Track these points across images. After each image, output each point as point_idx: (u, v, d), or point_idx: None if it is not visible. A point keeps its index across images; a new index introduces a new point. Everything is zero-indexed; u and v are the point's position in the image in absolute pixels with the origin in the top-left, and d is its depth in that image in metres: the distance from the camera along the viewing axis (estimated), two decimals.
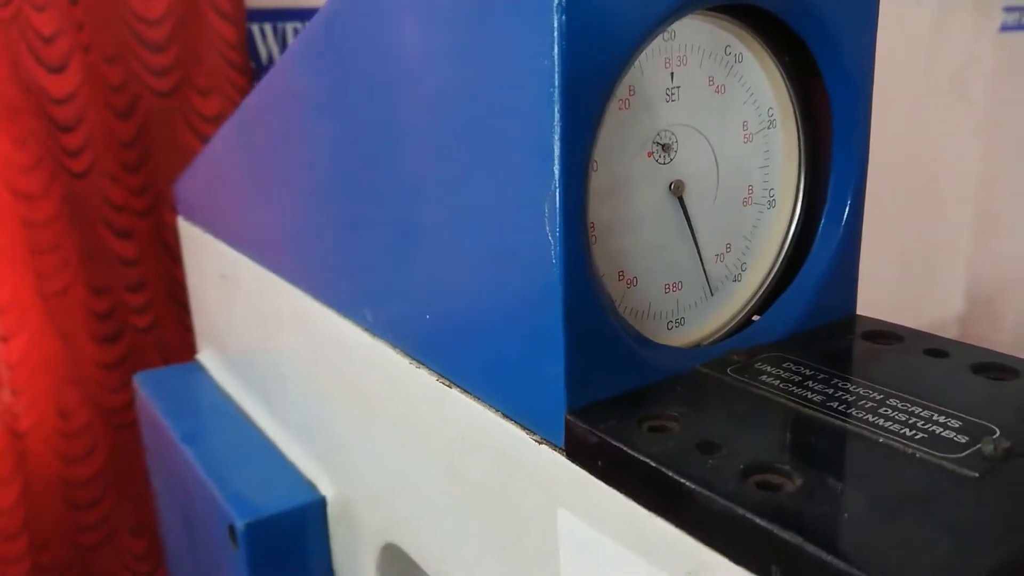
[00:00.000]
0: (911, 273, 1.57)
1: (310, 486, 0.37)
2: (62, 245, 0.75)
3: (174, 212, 0.78)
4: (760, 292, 0.26)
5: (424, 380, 0.27)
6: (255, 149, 0.37)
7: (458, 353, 0.25)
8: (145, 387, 0.49)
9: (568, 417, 0.21)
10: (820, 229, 0.26)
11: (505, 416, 0.24)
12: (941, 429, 0.20)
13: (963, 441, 0.19)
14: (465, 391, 0.25)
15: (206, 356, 0.52)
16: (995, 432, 0.19)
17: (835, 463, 0.19)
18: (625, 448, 0.19)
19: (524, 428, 0.23)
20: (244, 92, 0.80)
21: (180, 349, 0.81)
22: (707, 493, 0.18)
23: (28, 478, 0.76)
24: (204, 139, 0.80)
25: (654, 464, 0.19)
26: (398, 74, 0.26)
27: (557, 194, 0.20)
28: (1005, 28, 1.64)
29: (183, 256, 0.53)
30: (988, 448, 0.18)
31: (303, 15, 0.84)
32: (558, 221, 0.20)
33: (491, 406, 0.24)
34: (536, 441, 0.23)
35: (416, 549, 0.31)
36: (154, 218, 0.79)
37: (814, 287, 0.26)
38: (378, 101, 0.27)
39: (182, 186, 0.51)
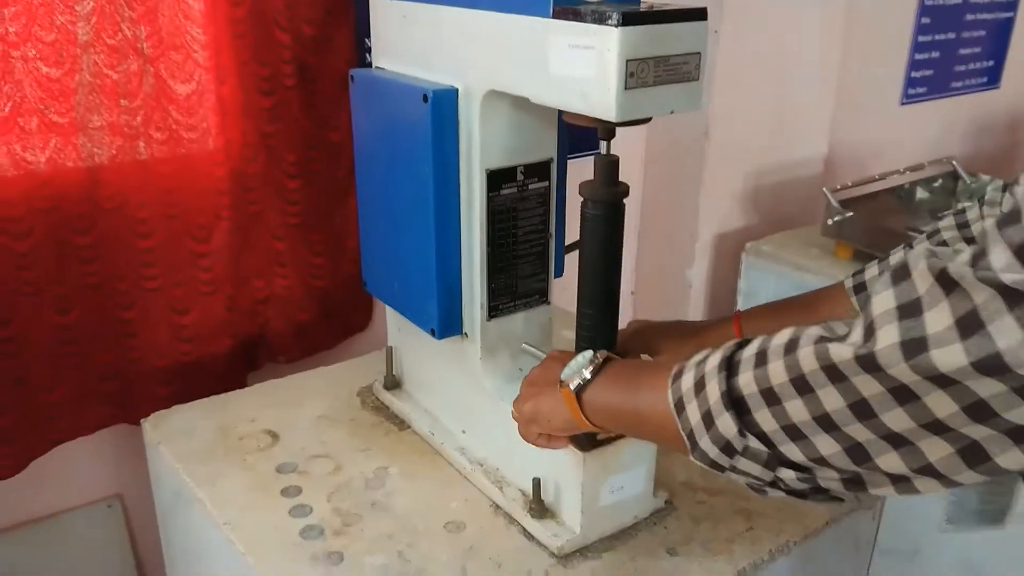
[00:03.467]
0: (781, 119, 2.11)
1: (452, 88, 0.96)
2: (248, 33, 1.31)
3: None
4: None
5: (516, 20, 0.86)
6: None
7: None
8: (357, 75, 1.08)
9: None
10: None
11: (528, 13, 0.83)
12: None
13: None
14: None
15: (381, 62, 1.10)
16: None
17: None
18: None
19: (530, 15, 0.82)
20: None
21: (317, 103, 1.36)
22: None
23: (230, 162, 1.33)
24: None
25: None
26: None
27: None
28: None
29: (371, 15, 1.11)
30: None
31: None
32: None
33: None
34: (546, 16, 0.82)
35: (497, 81, 0.90)
36: (295, 26, 1.35)
37: None
38: None
39: None
